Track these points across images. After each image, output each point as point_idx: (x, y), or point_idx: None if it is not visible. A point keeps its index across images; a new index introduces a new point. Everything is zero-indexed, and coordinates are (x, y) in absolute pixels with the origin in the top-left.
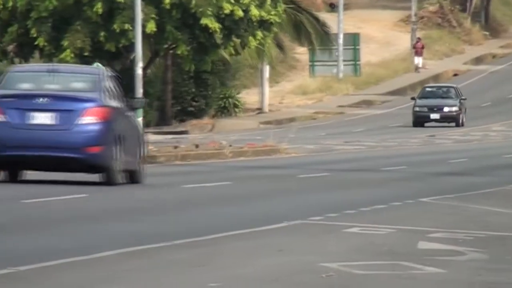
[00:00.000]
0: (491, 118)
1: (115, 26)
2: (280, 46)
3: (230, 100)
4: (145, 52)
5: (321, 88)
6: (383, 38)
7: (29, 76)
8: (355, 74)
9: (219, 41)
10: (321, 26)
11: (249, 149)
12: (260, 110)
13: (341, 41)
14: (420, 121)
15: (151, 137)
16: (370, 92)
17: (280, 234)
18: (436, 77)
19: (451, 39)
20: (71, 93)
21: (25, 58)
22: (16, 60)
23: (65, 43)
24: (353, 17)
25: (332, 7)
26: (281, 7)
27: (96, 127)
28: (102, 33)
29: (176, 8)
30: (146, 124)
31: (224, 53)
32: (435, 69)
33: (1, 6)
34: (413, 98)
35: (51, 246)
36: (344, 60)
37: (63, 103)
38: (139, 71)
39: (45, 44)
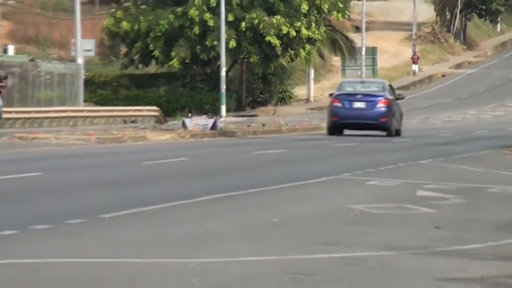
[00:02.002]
0: (468, 106)
1: (207, 42)
2: (321, 56)
3: (286, 93)
4: (227, 60)
5: None
6: (393, 51)
7: (351, 84)
8: (373, 75)
9: (279, 52)
10: (350, 42)
11: (300, 127)
12: (307, 100)
13: (363, 52)
14: None
15: (232, 119)
16: None
17: (321, 185)
18: (429, 77)
19: (440, 51)
20: (372, 92)
21: (146, 64)
22: (140, 66)
23: (173, 54)
24: (372, 36)
25: (357, 29)
26: (323, 28)
27: (384, 109)
28: (198, 47)
29: (249, 30)
30: (228, 110)
31: (282, 61)
32: (428, 71)
33: (130, 29)
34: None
35: (171, 193)
36: (365, 66)
37: (369, 97)
38: (223, 73)
39: (159, 55)
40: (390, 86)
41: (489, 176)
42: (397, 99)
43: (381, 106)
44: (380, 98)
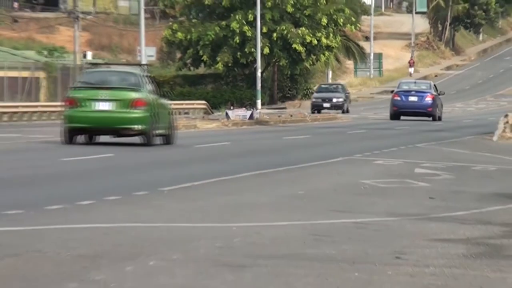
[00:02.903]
0: (456, 100)
1: (246, 49)
2: (337, 60)
3: (309, 90)
4: (262, 63)
5: (360, 83)
6: (395, 56)
7: (407, 84)
8: (380, 75)
9: (303, 57)
10: (361, 49)
11: (320, 117)
12: None
13: (371, 57)
14: (316, 108)
15: (266, 111)
16: (388, 86)
17: (338, 164)
18: (425, 77)
19: (433, 56)
20: (422, 90)
21: (196, 67)
22: (191, 68)
23: (218, 58)
24: (378, 44)
25: (367, 38)
26: (339, 38)
27: (430, 101)
28: (238, 53)
29: (279, 39)
30: (262, 103)
31: (306, 64)
32: (424, 72)
33: (184, 38)
34: (312, 92)
35: (213, 171)
36: (373, 68)
37: (419, 93)
38: (258, 74)
39: (207, 59)
40: (435, 85)
41: (473, 157)
42: (439, 94)
43: (428, 99)
44: (428, 93)
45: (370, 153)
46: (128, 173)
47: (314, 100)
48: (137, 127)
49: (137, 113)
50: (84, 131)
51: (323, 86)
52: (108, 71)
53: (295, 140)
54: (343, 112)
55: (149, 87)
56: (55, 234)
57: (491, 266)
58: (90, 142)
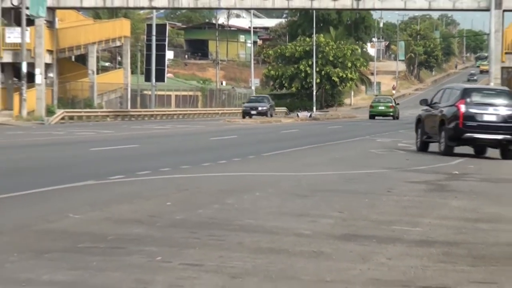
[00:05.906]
0: (420, 107)
1: (308, 80)
2: (356, 85)
3: (341, 102)
4: (316, 88)
5: (369, 98)
6: (387, 83)
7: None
8: (379, 94)
9: (338, 84)
10: (369, 80)
11: (347, 116)
12: (350, 105)
13: (374, 84)
14: (246, 114)
15: (318, 113)
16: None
17: (357, 141)
18: (403, 95)
19: (408, 83)
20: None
21: (281, 89)
22: (278, 89)
23: (293, 85)
24: (378, 77)
25: (372, 74)
26: (357, 74)
27: None
28: (304, 82)
29: (325, 74)
30: (316, 109)
31: (339, 88)
32: (403, 92)
33: (274, 74)
34: (243, 103)
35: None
36: (376, 90)
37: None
38: (314, 93)
39: (287, 85)
40: None
41: None
42: None
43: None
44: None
45: (374, 135)
46: (244, 147)
47: (244, 108)
48: (392, 114)
49: (390, 110)
50: (376, 116)
51: (252, 98)
52: (381, 96)
53: (334, 128)
54: (267, 117)
55: (392, 102)
56: (205, 178)
57: (439, 196)
58: (375, 118)
